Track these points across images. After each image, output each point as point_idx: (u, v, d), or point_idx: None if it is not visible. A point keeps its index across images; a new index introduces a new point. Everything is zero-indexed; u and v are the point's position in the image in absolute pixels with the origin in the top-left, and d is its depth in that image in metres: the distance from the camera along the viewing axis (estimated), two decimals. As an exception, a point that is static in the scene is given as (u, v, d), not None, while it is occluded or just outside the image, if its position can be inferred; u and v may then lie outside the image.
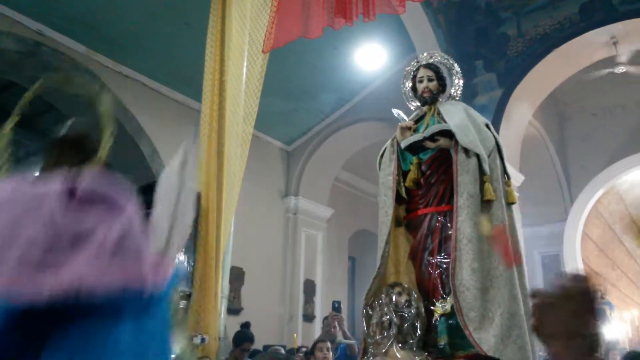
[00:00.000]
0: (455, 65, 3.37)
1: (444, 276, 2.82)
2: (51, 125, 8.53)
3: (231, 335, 5.09)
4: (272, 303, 8.46)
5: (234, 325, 6.01)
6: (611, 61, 7.81)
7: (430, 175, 2.99)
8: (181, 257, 4.08)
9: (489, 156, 2.90)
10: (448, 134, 2.94)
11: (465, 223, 2.72)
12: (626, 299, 9.75)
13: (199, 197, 4.16)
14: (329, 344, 4.58)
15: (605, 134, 9.60)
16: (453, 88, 3.32)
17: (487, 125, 3.11)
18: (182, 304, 4.41)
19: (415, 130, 3.08)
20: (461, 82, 3.36)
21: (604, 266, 9.88)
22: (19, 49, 6.03)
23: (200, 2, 4.63)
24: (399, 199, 3.03)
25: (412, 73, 3.31)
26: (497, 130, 7.40)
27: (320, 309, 8.82)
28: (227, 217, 4.30)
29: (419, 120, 3.21)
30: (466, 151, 2.85)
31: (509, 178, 3.05)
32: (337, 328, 6.15)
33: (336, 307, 6.46)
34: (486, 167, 2.84)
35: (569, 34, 6.91)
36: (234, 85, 4.05)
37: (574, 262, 9.26)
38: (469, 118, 3.02)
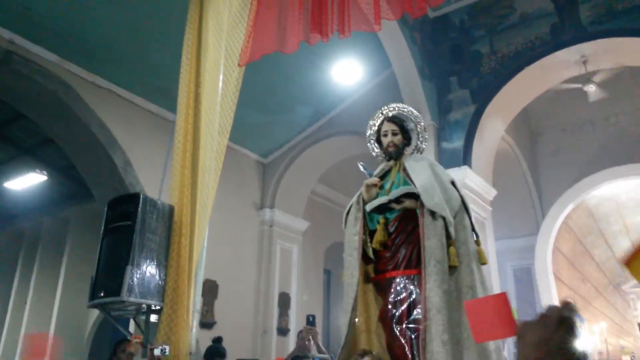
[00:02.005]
0: (420, 117, 3.31)
1: (414, 344, 2.76)
2: (20, 134, 8.37)
3: (203, 350, 5.01)
4: (246, 316, 8.37)
5: (206, 339, 5.92)
6: (580, 79, 8.03)
7: (397, 237, 2.93)
8: (152, 270, 4.01)
9: (455, 217, 2.85)
10: (414, 194, 2.90)
11: (433, 291, 2.66)
12: (595, 312, 9.95)
13: (172, 210, 4.11)
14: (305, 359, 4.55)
15: (575, 150, 9.85)
16: (419, 140, 3.26)
17: (452, 183, 3.04)
18: (154, 318, 4.34)
19: (381, 187, 3.03)
20: (426, 134, 3.32)
21: (575, 279, 10.07)
22: (-10, 57, 5.91)
23: (176, 14, 4.62)
24: (366, 259, 2.96)
25: (376, 126, 3.26)
26: (471, 146, 7.54)
27: (295, 323, 8.77)
28: (200, 230, 4.25)
29: (384, 175, 3.15)
30: (432, 213, 2.80)
31: (477, 237, 2.96)
32: (312, 342, 6.12)
33: (310, 321, 6.43)
34: (452, 230, 2.78)
35: (540, 52, 7.09)
36: (210, 98, 4.03)
37: (545, 275, 9.41)
38: (434, 176, 2.97)
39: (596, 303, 10.07)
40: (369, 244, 2.98)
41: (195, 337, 4.76)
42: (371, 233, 3.01)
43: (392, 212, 2.96)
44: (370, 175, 3.12)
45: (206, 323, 7.42)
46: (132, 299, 3.89)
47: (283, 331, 8.69)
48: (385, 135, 3.16)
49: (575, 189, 9.45)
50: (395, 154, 3.13)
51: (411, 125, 3.24)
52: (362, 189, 3.10)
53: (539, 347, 0.76)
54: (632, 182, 9.52)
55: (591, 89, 8.29)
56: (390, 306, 2.89)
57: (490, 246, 7.83)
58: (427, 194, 2.86)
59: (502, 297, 2.13)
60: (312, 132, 9.04)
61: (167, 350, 3.75)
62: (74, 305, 9.49)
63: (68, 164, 8.29)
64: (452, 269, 2.76)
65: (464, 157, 7.52)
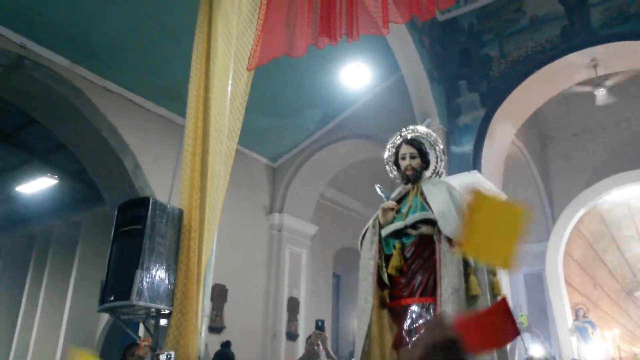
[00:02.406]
0: (439, 141, 3.25)
1: None
2: (32, 139, 8.45)
3: (212, 354, 5.01)
4: (255, 321, 8.37)
5: (215, 344, 5.93)
6: (591, 83, 7.97)
7: (413, 262, 2.87)
8: (162, 274, 4.02)
9: None
10: (431, 220, 2.86)
11: None
12: (607, 317, 9.82)
13: (181, 214, 4.12)
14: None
15: (586, 154, 9.76)
16: (437, 164, 3.20)
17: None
18: (163, 322, 4.35)
19: (398, 211, 2.98)
20: (445, 157, 3.25)
21: (586, 285, 9.95)
22: (2, 62, 5.98)
23: (186, 18, 4.65)
24: (381, 284, 2.91)
25: (394, 148, 3.21)
26: (480, 150, 7.50)
27: (304, 327, 8.75)
28: (210, 234, 4.26)
29: (401, 199, 3.09)
30: (449, 240, 2.75)
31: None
32: (321, 347, 6.11)
33: (320, 326, 6.41)
34: (469, 257, 2.72)
35: (550, 56, 7.05)
36: (219, 102, 4.05)
37: (557, 281, 9.32)
38: (452, 200, 2.90)
39: (608, 309, 9.93)
40: (385, 269, 2.91)
41: (204, 342, 4.76)
42: (387, 257, 2.94)
43: (409, 237, 2.90)
44: (388, 198, 3.05)
45: (215, 327, 7.43)
46: (141, 303, 3.90)
47: (292, 336, 8.68)
48: (404, 159, 3.09)
49: (587, 193, 9.36)
50: (413, 178, 3.07)
51: (429, 149, 3.18)
52: (379, 212, 3.03)
53: None
54: (644, 187, 9.42)
55: (602, 93, 8.22)
56: (404, 334, 2.79)
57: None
58: (444, 219, 2.80)
59: (502, 305, 2.10)
60: (321, 135, 9.04)
61: (172, 356, 3.75)
62: (85, 308, 9.54)
63: (79, 168, 8.35)
64: (471, 298, 2.69)
65: (474, 162, 7.48)
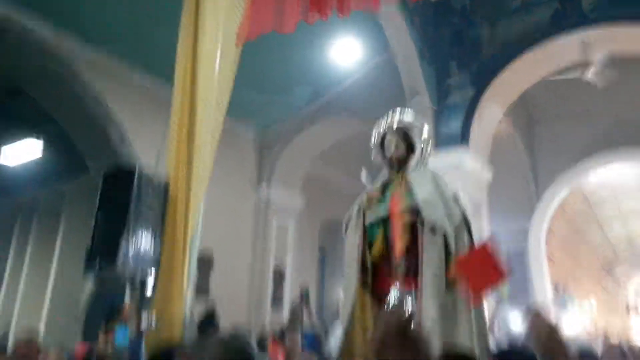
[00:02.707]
0: (426, 127, 3.22)
1: None
2: (17, 108, 8.35)
3: (197, 320, 5.10)
4: (241, 290, 8.49)
5: (201, 310, 6.02)
6: (580, 65, 8.00)
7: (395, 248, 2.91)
8: (148, 243, 4.07)
9: (455, 232, 2.82)
10: (415, 207, 2.89)
11: (429, 303, 2.67)
12: (586, 292, 10.11)
13: (167, 185, 4.14)
14: (298, 335, 4.65)
15: (573, 135, 9.87)
16: (423, 152, 3.17)
17: (455, 198, 3.01)
18: (149, 289, 4.41)
19: (382, 198, 2.99)
20: (431, 146, 3.23)
21: (567, 262, 10.19)
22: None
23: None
24: (365, 268, 2.95)
25: (380, 134, 3.20)
26: (469, 129, 7.56)
27: (289, 297, 8.90)
28: (197, 205, 4.29)
29: (386, 185, 3.10)
30: (432, 228, 2.80)
31: None
32: (304, 316, 6.24)
33: (305, 295, 6.54)
34: (452, 244, 2.77)
35: (540, 38, 7.07)
36: (207, 74, 4.04)
37: (539, 258, 9.53)
38: (437, 190, 2.95)
39: (587, 284, 10.21)
40: (369, 255, 2.95)
41: (189, 309, 4.84)
42: (371, 243, 2.98)
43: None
44: (372, 184, 3.08)
45: (201, 294, 7.53)
46: (127, 270, 3.96)
47: (278, 305, 8.82)
48: (390, 146, 3.10)
49: (571, 173, 9.51)
50: (398, 165, 3.08)
51: (416, 136, 3.15)
52: (363, 198, 3.07)
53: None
54: (627, 168, 9.58)
55: (590, 75, 8.27)
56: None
57: (485, 228, 7.91)
58: (428, 208, 2.84)
59: (486, 248, 2.17)
60: (310, 111, 9.04)
61: (153, 323, 3.82)
62: (70, 276, 9.56)
63: (65, 138, 8.29)
64: (450, 283, 2.73)
65: (462, 140, 7.54)
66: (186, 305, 4.40)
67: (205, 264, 7.67)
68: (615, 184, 9.87)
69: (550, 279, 9.62)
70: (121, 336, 3.01)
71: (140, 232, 3.99)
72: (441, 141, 7.65)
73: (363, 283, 2.94)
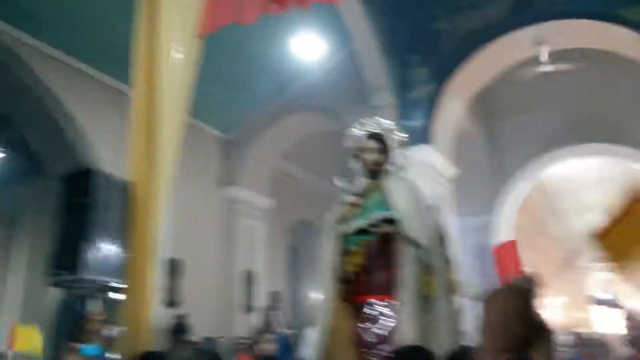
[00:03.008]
0: (403, 135, 3.19)
1: None
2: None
3: (168, 328, 4.99)
4: (212, 294, 8.35)
5: (170, 317, 5.90)
6: (538, 60, 8.19)
7: (373, 260, 2.88)
8: (112, 248, 3.94)
9: (432, 244, 2.82)
10: (392, 219, 2.87)
11: (406, 323, 2.65)
12: (550, 286, 10.34)
13: (129, 187, 4.02)
14: (270, 337, 4.59)
15: (533, 130, 10.10)
16: (400, 159, 3.15)
17: (430, 207, 3.00)
18: (116, 296, 4.28)
19: (360, 207, 2.96)
20: (408, 152, 3.22)
21: (530, 255, 10.41)
22: None
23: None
24: (341, 278, 2.91)
25: (357, 141, 3.15)
26: (432, 125, 7.64)
27: (260, 299, 8.81)
28: (161, 207, 4.17)
29: (363, 193, 3.06)
30: (410, 241, 2.78)
31: (449, 264, 2.93)
32: (276, 322, 6.18)
33: (275, 300, 6.50)
34: (428, 258, 2.77)
35: (499, 31, 7.19)
36: (167, 72, 3.93)
37: (502, 251, 9.70)
38: (414, 201, 2.93)
39: (550, 278, 10.48)
40: (345, 265, 2.91)
41: (159, 315, 4.72)
42: (348, 252, 2.94)
43: (370, 234, 2.90)
44: (348, 192, 3.03)
45: (171, 301, 7.37)
46: (90, 277, 3.83)
47: (249, 308, 8.72)
48: (368, 153, 3.05)
49: (532, 168, 9.73)
50: (376, 173, 3.05)
51: (393, 143, 3.12)
52: (341, 207, 3.01)
53: (501, 314, 0.85)
54: (586, 162, 9.86)
55: (548, 68, 8.47)
56: (362, 329, 2.83)
57: (451, 223, 8.01)
58: (406, 220, 2.81)
59: (512, 244, 2.19)
60: (275, 108, 8.97)
61: (114, 332, 3.70)
62: (31, 284, 9.24)
63: (21, 139, 7.98)
64: (430, 298, 2.72)
65: (426, 136, 7.62)
66: (155, 312, 4.29)
67: (174, 270, 7.50)
68: (575, 178, 10.16)
69: (514, 271, 9.81)
70: (90, 349, 2.90)
71: (102, 237, 3.86)
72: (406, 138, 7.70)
73: (340, 293, 2.90)
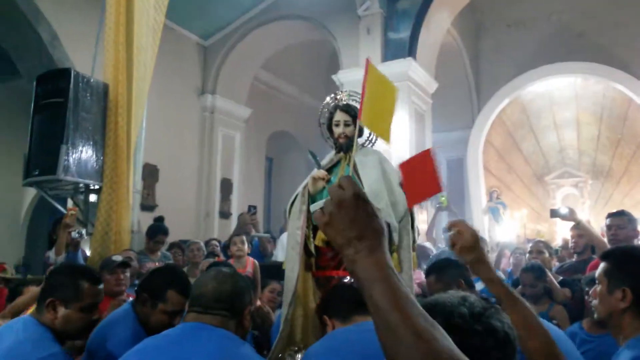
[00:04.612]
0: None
1: None
2: None
3: (145, 229, 5.12)
4: (188, 200, 8.49)
5: (148, 220, 6.03)
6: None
7: None
8: (89, 150, 3.94)
9: (400, 221, 2.78)
10: None
11: None
12: (518, 200, 10.75)
13: (106, 88, 3.97)
14: (243, 237, 4.74)
15: (517, 46, 10.02)
16: (371, 133, 3.05)
17: (401, 183, 2.84)
18: (93, 198, 4.35)
19: (328, 181, 2.88)
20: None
21: (502, 170, 10.72)
22: None
23: None
24: (307, 251, 2.88)
25: (328, 113, 3.05)
26: (417, 37, 7.51)
27: (237, 207, 9.00)
28: (138, 110, 4.15)
29: (332, 167, 3.01)
30: None
31: (414, 242, 2.90)
32: (252, 228, 6.36)
33: (252, 212, 6.66)
34: (395, 236, 2.72)
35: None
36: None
37: (476, 167, 9.97)
38: (383, 176, 2.85)
39: (519, 192, 10.84)
40: (312, 239, 2.86)
41: (136, 217, 4.83)
42: (315, 227, 2.89)
43: None
44: (319, 165, 2.95)
45: (147, 206, 7.49)
46: (69, 178, 3.86)
47: (225, 215, 8.93)
48: (337, 125, 2.96)
49: (512, 84, 9.74)
50: (345, 147, 2.95)
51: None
52: (309, 180, 2.93)
53: (349, 227, 0.79)
54: (566, 80, 9.90)
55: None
56: None
57: (427, 138, 8.13)
58: (374, 198, 2.72)
59: (426, 154, 2.17)
60: (255, 14, 8.64)
61: (83, 233, 3.78)
62: (7, 185, 9.24)
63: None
64: None
65: (410, 49, 7.51)
66: (133, 214, 4.38)
67: (150, 174, 7.56)
68: (553, 95, 10.23)
69: (485, 187, 10.15)
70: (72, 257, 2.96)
71: (79, 137, 3.84)
72: (389, 50, 7.60)
73: (307, 265, 2.89)
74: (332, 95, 3.11)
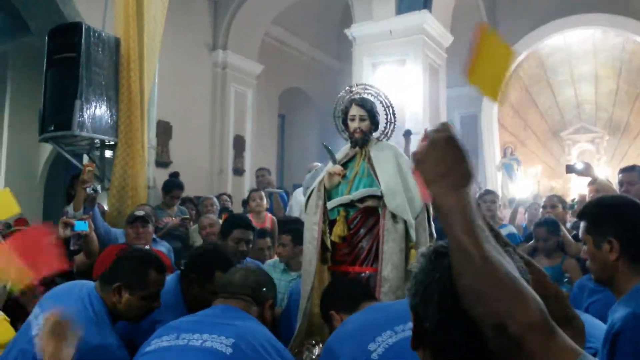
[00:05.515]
0: (390, 101, 3.03)
1: None
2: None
3: (160, 185, 5.17)
4: (202, 157, 8.54)
5: (162, 176, 6.08)
6: None
7: (356, 231, 2.84)
8: (103, 106, 3.96)
9: (416, 218, 2.77)
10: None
11: (387, 298, 2.63)
12: (532, 156, 10.67)
13: (117, 42, 3.94)
14: (262, 193, 4.79)
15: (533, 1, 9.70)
16: (387, 126, 3.04)
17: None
18: (108, 153, 4.39)
19: (344, 176, 2.89)
20: (395, 120, 3.05)
21: (517, 126, 10.59)
22: None
23: None
24: (324, 246, 2.89)
25: (343, 108, 3.00)
26: (433, -13, 7.29)
27: (250, 164, 9.04)
28: (150, 65, 4.14)
29: (348, 162, 2.98)
30: (393, 216, 2.73)
31: (432, 238, 2.87)
32: (267, 182, 6.39)
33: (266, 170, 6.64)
34: (412, 233, 2.73)
35: None
36: None
37: (490, 123, 9.85)
38: (399, 172, 2.82)
39: (534, 148, 10.73)
40: (328, 235, 2.88)
41: (152, 173, 4.89)
42: (331, 222, 2.91)
43: (354, 207, 2.85)
44: (334, 160, 2.94)
45: (162, 162, 7.55)
46: (84, 134, 3.89)
47: (238, 171, 8.99)
48: (353, 120, 2.91)
49: (529, 37, 9.50)
50: (361, 141, 2.92)
51: (380, 110, 2.99)
52: (325, 176, 2.93)
53: (438, 165, 0.88)
54: (584, 33, 9.63)
55: None
56: None
57: (441, 93, 8.01)
58: (390, 195, 2.75)
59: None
60: (267, -33, 8.44)
61: (98, 189, 3.83)
62: (24, 141, 9.33)
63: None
64: (412, 272, 2.65)
65: (425, 0, 7.31)
66: (148, 170, 4.43)
67: (163, 131, 7.58)
68: (571, 48, 9.98)
69: (499, 143, 10.05)
70: (82, 225, 3.00)
71: (93, 93, 3.85)
72: (403, 2, 7.41)
73: (323, 259, 2.91)
74: (347, 88, 3.09)
